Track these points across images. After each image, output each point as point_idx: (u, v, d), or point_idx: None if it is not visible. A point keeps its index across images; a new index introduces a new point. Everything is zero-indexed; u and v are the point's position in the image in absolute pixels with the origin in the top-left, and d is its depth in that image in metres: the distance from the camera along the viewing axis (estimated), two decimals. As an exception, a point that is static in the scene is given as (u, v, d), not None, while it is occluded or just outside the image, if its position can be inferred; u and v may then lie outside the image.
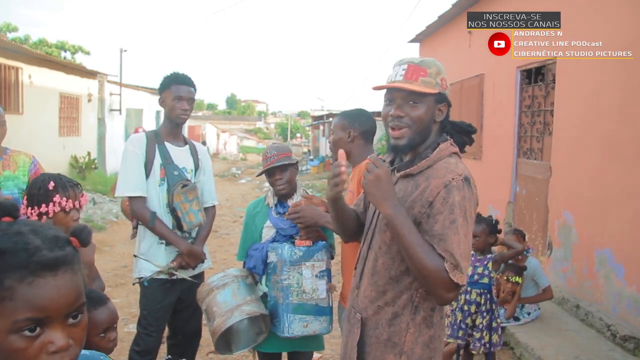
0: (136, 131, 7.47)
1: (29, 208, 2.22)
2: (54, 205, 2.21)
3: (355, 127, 2.51)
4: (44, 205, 2.20)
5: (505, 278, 4.24)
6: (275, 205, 2.65)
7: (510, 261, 4.28)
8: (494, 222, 3.69)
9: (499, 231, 3.78)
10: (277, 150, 2.63)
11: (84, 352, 1.08)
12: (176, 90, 2.86)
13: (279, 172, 2.60)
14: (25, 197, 2.26)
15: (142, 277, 2.84)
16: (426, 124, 1.68)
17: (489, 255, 3.66)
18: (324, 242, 2.53)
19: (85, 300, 0.89)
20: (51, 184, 2.23)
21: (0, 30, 20.86)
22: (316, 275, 2.43)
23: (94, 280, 2.45)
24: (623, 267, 4.22)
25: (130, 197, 2.83)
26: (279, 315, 2.41)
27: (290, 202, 2.65)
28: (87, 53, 23.66)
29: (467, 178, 1.61)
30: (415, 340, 1.66)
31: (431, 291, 1.60)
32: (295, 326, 2.39)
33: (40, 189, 2.22)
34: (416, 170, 1.68)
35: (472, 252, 3.74)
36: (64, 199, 2.23)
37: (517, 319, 4.42)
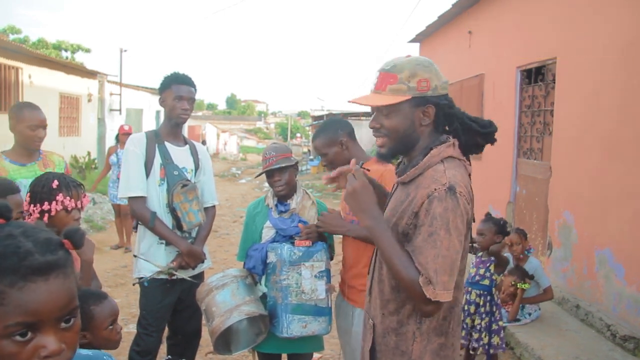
0: (121, 129, 7.48)
1: (32, 205, 2.21)
2: (56, 204, 2.20)
3: (341, 133, 2.50)
4: (46, 203, 2.19)
5: (511, 282, 4.25)
6: (276, 206, 2.64)
7: (514, 264, 4.29)
8: (501, 222, 3.70)
9: (507, 233, 3.78)
10: (276, 152, 2.62)
11: (86, 352, 1.08)
12: (177, 90, 2.85)
13: (278, 174, 2.59)
14: (28, 194, 2.25)
15: (142, 277, 2.83)
16: (405, 131, 1.63)
17: (492, 258, 3.66)
18: (324, 242, 2.52)
19: (78, 304, 0.88)
20: (55, 183, 2.23)
21: (3, 32, 20.86)
22: (315, 276, 2.42)
23: (92, 280, 2.45)
24: (623, 267, 4.22)
25: (130, 197, 2.82)
26: (277, 316, 2.41)
27: (290, 202, 2.65)
28: (87, 51, 23.65)
29: (451, 187, 1.51)
30: (424, 349, 1.63)
31: (413, 302, 1.58)
32: (294, 326, 2.38)
33: (44, 186, 2.22)
34: (407, 179, 1.64)
35: (480, 252, 3.75)
36: (67, 198, 2.22)
37: (517, 319, 4.42)
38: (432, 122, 1.64)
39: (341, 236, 2.50)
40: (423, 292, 1.48)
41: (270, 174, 2.60)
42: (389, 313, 1.67)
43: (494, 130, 1.68)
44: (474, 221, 1.67)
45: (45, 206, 2.19)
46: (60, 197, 2.21)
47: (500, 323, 3.61)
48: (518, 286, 4.25)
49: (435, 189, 1.52)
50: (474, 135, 1.68)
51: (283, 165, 2.58)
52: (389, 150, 1.66)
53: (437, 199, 1.51)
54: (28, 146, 3.08)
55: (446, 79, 1.65)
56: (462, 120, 1.67)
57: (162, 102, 2.91)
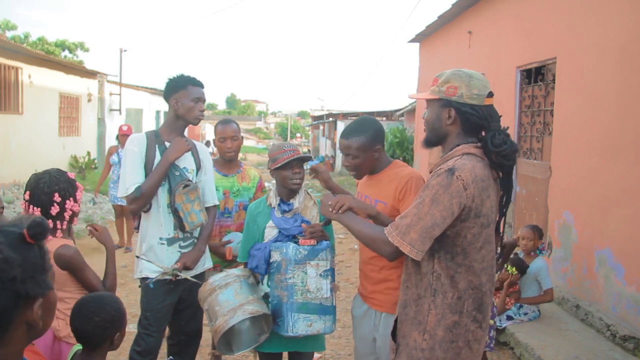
0: (120, 130, 7.47)
1: (67, 201, 2.30)
2: (80, 192, 2.37)
3: (379, 142, 2.39)
4: (76, 193, 2.34)
5: (504, 267, 4.27)
6: (279, 205, 2.64)
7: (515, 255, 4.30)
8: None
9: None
10: (293, 146, 2.64)
11: None
12: (195, 91, 2.87)
13: (299, 167, 2.59)
14: (55, 194, 2.28)
15: (145, 278, 2.82)
16: (433, 124, 1.93)
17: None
18: (328, 241, 2.51)
19: None
20: (71, 174, 2.37)
21: (-2, 28, 20.85)
22: (320, 275, 2.42)
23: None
24: (623, 267, 4.22)
25: (126, 196, 2.79)
26: (283, 315, 2.40)
27: (293, 202, 2.64)
28: (87, 50, 23.68)
29: (451, 169, 1.75)
30: (438, 322, 1.82)
31: (375, 251, 1.93)
32: (299, 325, 2.38)
33: (67, 182, 2.32)
34: (434, 168, 1.90)
35: None
36: (79, 183, 2.41)
37: (510, 318, 4.42)
38: (459, 125, 1.88)
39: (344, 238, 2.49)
40: (385, 236, 1.79)
41: (290, 166, 2.57)
42: (411, 285, 1.90)
43: (504, 152, 1.81)
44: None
45: (78, 195, 2.32)
46: (78, 184, 2.37)
47: (491, 322, 3.61)
48: (507, 269, 4.26)
49: (439, 168, 1.81)
50: (490, 152, 1.83)
51: (308, 155, 2.66)
52: (425, 137, 1.99)
53: (435, 175, 1.78)
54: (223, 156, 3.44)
55: (483, 92, 1.86)
56: (487, 134, 1.85)
57: (175, 102, 2.87)
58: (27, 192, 2.30)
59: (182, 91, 2.86)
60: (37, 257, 1.03)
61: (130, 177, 2.78)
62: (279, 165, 2.55)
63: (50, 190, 2.26)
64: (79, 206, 2.36)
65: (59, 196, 2.26)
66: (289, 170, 2.57)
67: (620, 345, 4.01)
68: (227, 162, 3.47)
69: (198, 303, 2.61)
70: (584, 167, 4.82)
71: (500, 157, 1.80)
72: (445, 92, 1.87)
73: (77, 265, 2.25)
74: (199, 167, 3.00)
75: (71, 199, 2.29)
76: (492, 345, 3.61)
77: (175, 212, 2.81)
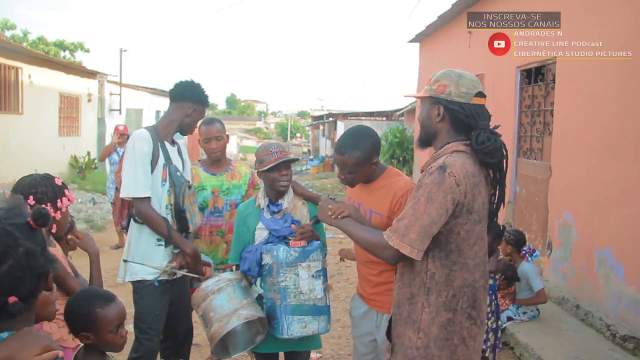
0: (117, 130, 7.44)
1: (43, 205, 2.20)
2: (68, 200, 2.28)
3: (375, 154, 2.32)
4: (58, 200, 2.24)
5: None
6: (267, 206, 2.60)
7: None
8: (501, 228, 3.73)
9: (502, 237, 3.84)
10: (280, 147, 2.61)
11: None
12: (204, 113, 2.97)
13: (286, 168, 2.56)
14: (30, 197, 2.19)
15: (141, 281, 2.75)
16: (424, 122, 1.97)
17: (490, 258, 3.66)
18: (319, 241, 2.49)
19: None
20: (58, 180, 2.29)
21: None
22: (312, 276, 2.40)
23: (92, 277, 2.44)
24: (623, 267, 4.22)
25: (136, 198, 2.72)
26: (277, 317, 2.38)
27: (282, 202, 2.60)
28: (87, 51, 23.70)
29: (442, 166, 1.77)
30: (432, 320, 1.83)
31: (376, 256, 1.93)
32: (294, 327, 2.36)
33: (47, 187, 2.24)
34: (425, 167, 1.90)
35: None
36: (70, 193, 2.32)
37: (510, 318, 4.42)
38: (448, 122, 1.90)
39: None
40: (385, 240, 1.79)
41: (277, 168, 2.53)
42: (403, 284, 1.91)
43: (486, 149, 1.82)
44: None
45: (61, 202, 2.24)
46: (67, 192, 2.29)
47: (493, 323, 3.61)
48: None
49: (430, 166, 1.82)
50: (475, 150, 1.84)
51: (295, 158, 2.65)
52: (418, 137, 2.02)
53: (428, 173, 1.80)
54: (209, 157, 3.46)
55: (472, 91, 1.87)
56: (474, 132, 1.86)
57: (192, 110, 2.87)
58: (9, 193, 2.27)
59: (200, 107, 2.91)
60: (42, 238, 1.22)
61: (142, 180, 2.71)
62: (266, 168, 2.52)
63: (25, 193, 2.19)
64: (60, 214, 2.24)
65: (34, 199, 2.17)
66: (276, 172, 2.53)
67: (620, 345, 4.00)
68: (215, 161, 3.48)
69: (189, 303, 2.58)
70: (584, 167, 4.82)
71: (484, 155, 1.83)
72: (436, 91, 1.91)
73: (56, 273, 2.11)
74: (183, 167, 2.99)
75: (49, 204, 2.19)
76: (500, 345, 3.61)
77: (179, 212, 2.78)
